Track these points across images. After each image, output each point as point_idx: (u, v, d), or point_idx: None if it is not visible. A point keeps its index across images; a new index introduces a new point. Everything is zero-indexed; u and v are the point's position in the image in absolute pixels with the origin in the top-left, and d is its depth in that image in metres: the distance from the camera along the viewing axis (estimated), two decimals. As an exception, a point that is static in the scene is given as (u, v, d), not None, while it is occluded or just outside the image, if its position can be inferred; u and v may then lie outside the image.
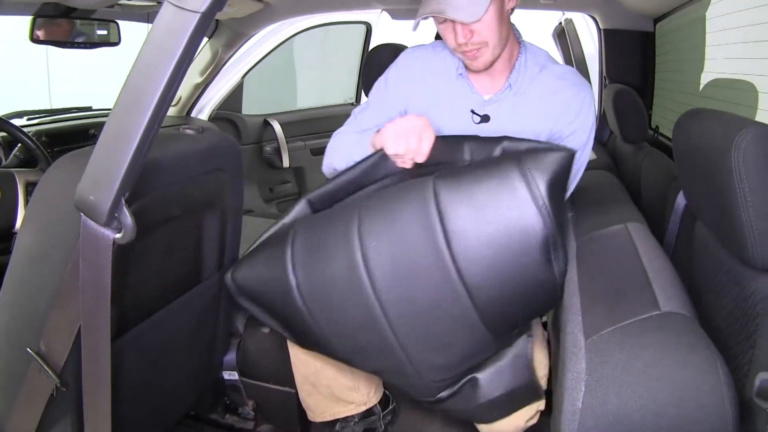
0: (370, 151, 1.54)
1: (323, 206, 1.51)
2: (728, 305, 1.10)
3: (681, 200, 1.46)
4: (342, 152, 1.63)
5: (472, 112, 1.62)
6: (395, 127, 1.44)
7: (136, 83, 0.94)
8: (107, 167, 0.97)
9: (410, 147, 1.41)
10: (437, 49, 1.70)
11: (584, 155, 1.58)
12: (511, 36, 1.58)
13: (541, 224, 1.17)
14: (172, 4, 0.90)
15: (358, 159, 1.54)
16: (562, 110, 1.56)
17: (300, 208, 1.52)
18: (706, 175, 1.13)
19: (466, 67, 1.61)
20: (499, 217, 1.20)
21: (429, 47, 1.73)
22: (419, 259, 1.27)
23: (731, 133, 1.00)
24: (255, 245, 1.50)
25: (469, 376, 1.40)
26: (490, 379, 1.40)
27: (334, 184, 1.50)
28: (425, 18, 1.49)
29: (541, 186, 1.17)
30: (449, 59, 1.65)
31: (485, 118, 1.61)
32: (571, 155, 1.22)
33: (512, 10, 1.57)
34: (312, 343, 1.47)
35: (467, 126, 1.62)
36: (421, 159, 1.43)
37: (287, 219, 1.51)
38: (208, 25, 0.91)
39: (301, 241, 1.40)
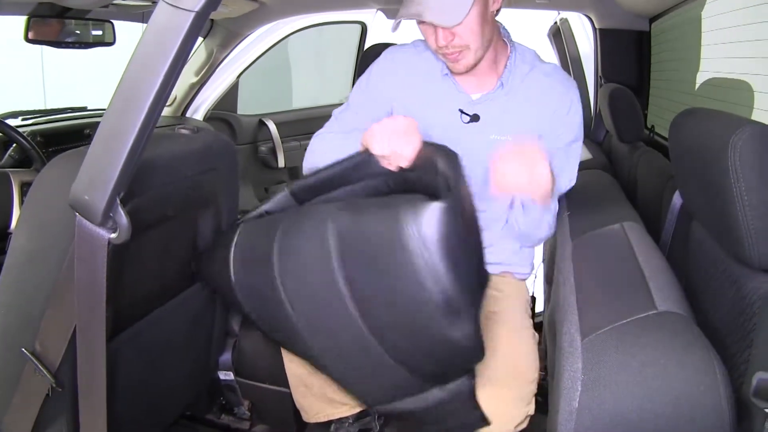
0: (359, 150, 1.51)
1: (306, 197, 1.50)
2: (725, 304, 1.10)
3: (677, 199, 1.46)
4: (328, 153, 1.57)
5: (461, 111, 1.62)
6: (382, 128, 1.41)
7: (131, 83, 0.94)
8: (102, 167, 0.97)
9: (395, 150, 1.38)
10: (419, 49, 1.70)
11: (576, 151, 1.60)
12: (495, 37, 1.58)
13: (436, 286, 1.10)
14: (167, 3, 0.90)
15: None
16: (555, 109, 1.58)
17: (281, 197, 1.51)
18: (702, 175, 1.13)
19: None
20: (393, 271, 1.15)
21: (410, 47, 1.73)
22: (327, 299, 1.24)
23: (728, 132, 1.00)
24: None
25: (409, 406, 1.37)
26: (432, 409, 1.38)
27: (317, 179, 1.49)
28: (405, 19, 1.49)
29: (432, 248, 1.10)
30: (433, 59, 1.65)
31: (475, 118, 1.62)
32: (452, 206, 1.12)
33: (497, 11, 1.57)
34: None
35: (456, 126, 1.62)
36: (404, 163, 1.39)
37: (266, 206, 1.51)
38: (203, 24, 0.91)
39: (240, 246, 1.42)
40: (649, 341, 0.89)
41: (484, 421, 1.41)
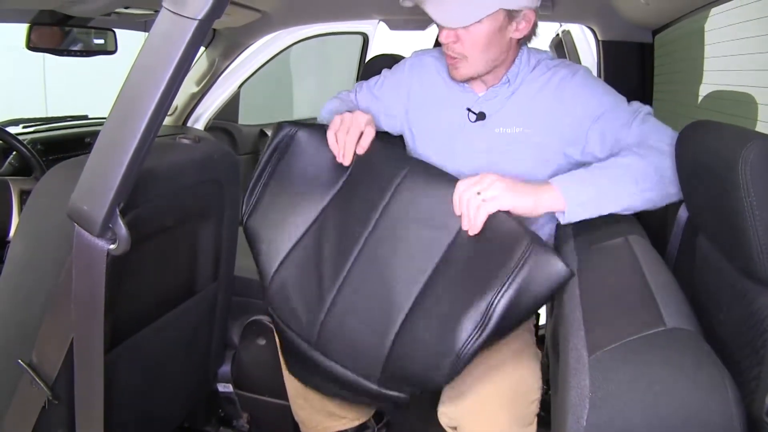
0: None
1: None
2: (733, 321, 1.08)
3: (683, 213, 1.44)
4: (327, 111, 1.78)
5: (468, 110, 1.61)
6: (340, 119, 1.50)
7: (132, 91, 0.92)
8: (101, 177, 0.95)
9: (348, 140, 1.47)
10: (437, 53, 1.72)
11: (627, 112, 1.49)
12: (506, 62, 1.57)
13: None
14: (170, 10, 0.88)
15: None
16: (572, 104, 1.53)
17: None
18: (710, 189, 1.11)
19: None
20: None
21: (431, 51, 1.77)
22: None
23: (738, 145, 0.98)
24: None
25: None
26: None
27: None
28: (410, 6, 1.52)
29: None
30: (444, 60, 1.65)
31: (481, 116, 1.60)
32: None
33: (522, 40, 1.57)
34: None
35: (463, 125, 1.62)
36: (361, 150, 1.49)
37: None
38: (206, 32, 0.90)
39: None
40: (658, 358, 0.87)
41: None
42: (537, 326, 1.71)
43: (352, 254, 1.41)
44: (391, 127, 1.81)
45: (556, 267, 1.23)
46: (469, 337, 1.24)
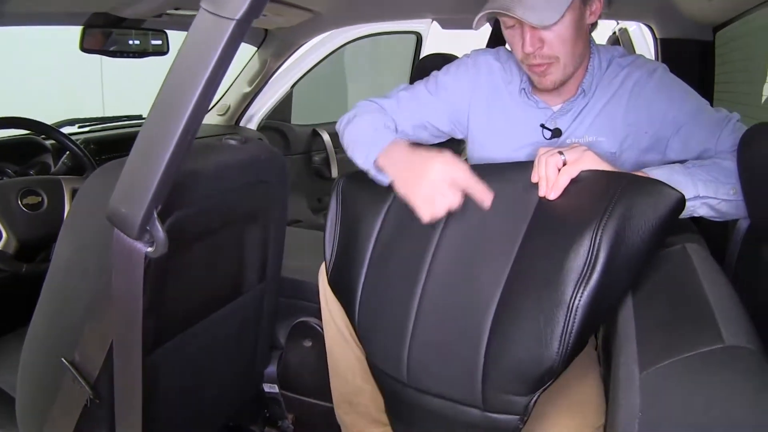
0: (371, 168, 1.43)
1: None
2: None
3: (744, 221, 1.37)
4: (355, 143, 1.51)
5: (543, 126, 1.53)
6: (415, 173, 1.30)
7: (170, 92, 0.91)
8: (139, 179, 0.94)
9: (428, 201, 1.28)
10: (503, 57, 1.61)
11: (708, 117, 1.42)
12: (585, 59, 1.48)
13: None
14: (208, 11, 0.87)
15: (359, 162, 1.47)
16: (649, 111, 1.44)
17: None
18: None
19: (531, 83, 1.51)
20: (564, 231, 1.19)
21: (494, 53, 1.63)
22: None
23: None
24: None
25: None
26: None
27: None
28: (490, 14, 1.39)
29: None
30: (515, 71, 1.56)
31: (556, 133, 1.51)
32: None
33: (592, 26, 1.47)
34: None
35: (539, 143, 1.51)
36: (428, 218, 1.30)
37: None
38: (244, 32, 0.88)
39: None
40: (716, 379, 0.80)
41: None
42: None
43: (420, 279, 1.32)
44: (451, 125, 1.66)
45: (660, 191, 1.12)
46: (576, 285, 1.11)
